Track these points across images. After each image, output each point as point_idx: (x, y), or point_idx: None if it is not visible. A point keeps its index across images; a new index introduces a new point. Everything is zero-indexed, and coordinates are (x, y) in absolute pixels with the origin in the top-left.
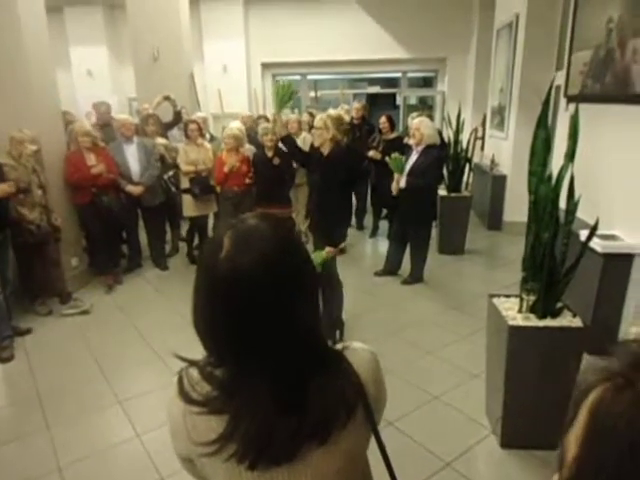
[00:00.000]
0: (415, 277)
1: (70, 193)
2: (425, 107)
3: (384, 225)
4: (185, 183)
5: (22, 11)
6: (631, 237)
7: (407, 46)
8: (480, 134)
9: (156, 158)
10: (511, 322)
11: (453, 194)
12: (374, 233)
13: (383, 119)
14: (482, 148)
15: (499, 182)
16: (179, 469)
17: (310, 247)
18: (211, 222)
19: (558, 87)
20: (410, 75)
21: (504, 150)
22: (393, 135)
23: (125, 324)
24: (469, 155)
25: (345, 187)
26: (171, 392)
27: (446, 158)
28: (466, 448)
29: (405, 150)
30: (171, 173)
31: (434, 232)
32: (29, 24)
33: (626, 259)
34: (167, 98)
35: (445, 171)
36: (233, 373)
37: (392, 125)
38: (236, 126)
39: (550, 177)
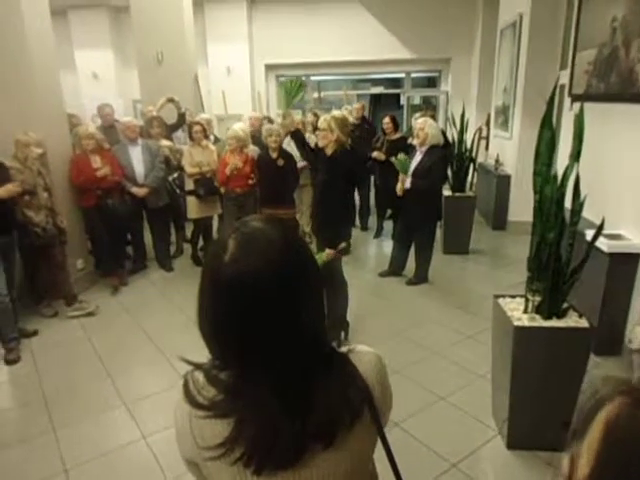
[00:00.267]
0: (420, 277)
1: (75, 195)
2: (429, 107)
3: (388, 225)
4: (190, 185)
5: (26, 14)
6: (637, 236)
7: (411, 46)
8: (484, 134)
9: (161, 160)
10: (517, 323)
11: (457, 194)
12: (378, 234)
13: (387, 119)
14: (486, 148)
15: (503, 182)
16: (185, 471)
17: (314, 248)
18: (215, 224)
19: (562, 86)
20: (414, 75)
21: (508, 150)
22: (397, 135)
23: (131, 325)
24: (473, 155)
25: (346, 187)
26: (177, 396)
27: (450, 158)
28: (472, 449)
29: (409, 150)
30: (176, 175)
31: (439, 232)
32: (33, 27)
33: (632, 259)
34: (171, 100)
35: (449, 171)
36: (238, 375)
37: (396, 125)
38: (239, 127)
39: (555, 177)
